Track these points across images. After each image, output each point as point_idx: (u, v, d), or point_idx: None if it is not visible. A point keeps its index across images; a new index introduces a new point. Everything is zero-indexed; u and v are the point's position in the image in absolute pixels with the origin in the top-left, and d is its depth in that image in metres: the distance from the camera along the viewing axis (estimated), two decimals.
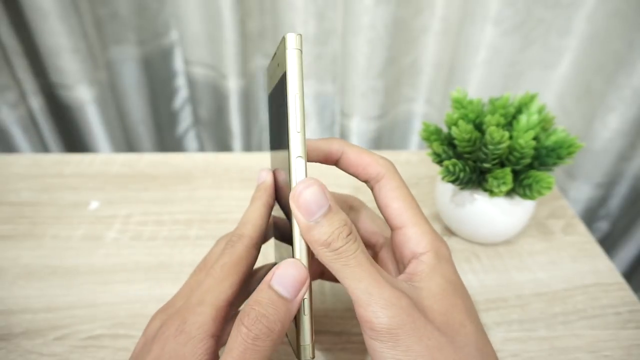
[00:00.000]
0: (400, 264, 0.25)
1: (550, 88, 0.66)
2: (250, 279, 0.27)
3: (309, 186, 0.21)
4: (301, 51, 0.21)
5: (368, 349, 0.21)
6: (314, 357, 0.22)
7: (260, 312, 0.20)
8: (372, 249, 0.29)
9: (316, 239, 0.21)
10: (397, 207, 0.24)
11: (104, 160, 0.51)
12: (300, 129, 0.21)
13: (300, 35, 0.21)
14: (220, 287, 0.23)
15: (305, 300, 0.22)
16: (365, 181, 0.26)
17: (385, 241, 0.28)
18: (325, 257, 0.21)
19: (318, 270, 0.30)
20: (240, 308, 0.23)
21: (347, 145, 0.25)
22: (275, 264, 0.27)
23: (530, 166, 0.36)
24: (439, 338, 0.20)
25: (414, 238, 0.23)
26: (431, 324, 0.21)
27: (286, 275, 0.21)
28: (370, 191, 0.26)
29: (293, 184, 0.21)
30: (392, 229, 0.25)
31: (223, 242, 0.27)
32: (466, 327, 0.21)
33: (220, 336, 0.22)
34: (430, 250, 0.23)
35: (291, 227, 0.22)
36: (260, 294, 0.21)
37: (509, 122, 0.37)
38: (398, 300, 0.20)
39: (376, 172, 0.25)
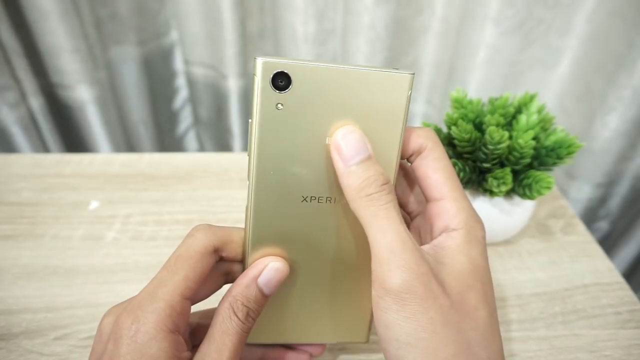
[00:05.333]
0: (429, 235, 0.24)
1: (550, 88, 0.66)
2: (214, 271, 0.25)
3: (352, 132, 0.22)
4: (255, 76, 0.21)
5: (373, 306, 0.21)
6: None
7: (251, 308, 0.22)
8: (409, 216, 0.27)
9: (350, 184, 0.21)
10: (437, 179, 0.23)
11: (104, 160, 0.51)
12: (248, 154, 0.22)
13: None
14: (174, 281, 0.22)
15: None
16: (408, 157, 0.24)
17: (420, 211, 0.27)
18: (357, 203, 0.21)
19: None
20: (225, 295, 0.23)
21: None
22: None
23: (530, 166, 0.36)
24: (446, 314, 0.20)
25: (450, 212, 0.23)
26: (444, 298, 0.20)
27: (272, 277, 0.23)
28: None
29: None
30: (429, 200, 0.24)
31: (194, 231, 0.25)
32: (479, 311, 0.21)
33: (179, 329, 0.21)
34: (463, 228, 0.22)
35: None
36: (248, 291, 0.23)
37: (509, 122, 0.37)
38: (417, 266, 0.20)
39: (418, 144, 0.24)
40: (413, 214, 0.27)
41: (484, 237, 0.23)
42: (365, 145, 0.22)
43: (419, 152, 0.24)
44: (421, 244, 0.24)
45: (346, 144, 0.21)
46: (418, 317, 0.19)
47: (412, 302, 0.19)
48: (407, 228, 0.21)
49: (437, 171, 0.23)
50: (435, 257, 0.22)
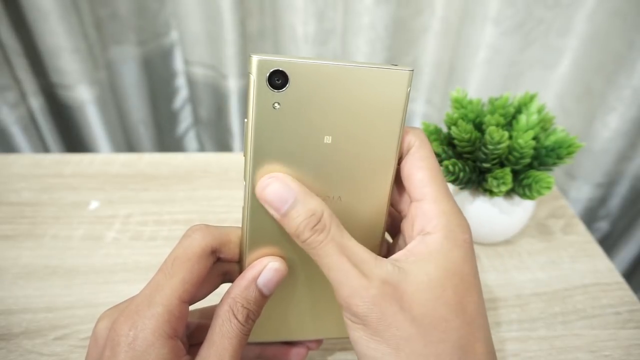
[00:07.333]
0: (410, 238, 0.23)
1: (550, 88, 0.66)
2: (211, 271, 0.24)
3: (268, 185, 0.21)
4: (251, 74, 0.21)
5: (347, 327, 0.21)
6: None
7: (251, 310, 0.22)
8: (400, 215, 0.26)
9: (288, 230, 0.21)
10: (421, 179, 0.22)
11: (104, 160, 0.51)
12: (244, 154, 0.22)
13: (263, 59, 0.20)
14: (171, 284, 0.21)
15: None
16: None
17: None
18: (301, 246, 0.21)
19: None
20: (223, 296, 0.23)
21: None
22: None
23: (530, 166, 0.36)
24: (408, 329, 0.19)
25: (428, 215, 0.22)
26: (403, 313, 0.20)
27: (271, 278, 0.23)
28: None
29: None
30: (412, 200, 0.23)
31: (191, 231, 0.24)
32: (449, 322, 0.20)
33: (177, 334, 0.21)
34: (440, 232, 0.21)
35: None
36: (247, 292, 0.22)
37: (509, 122, 0.37)
38: (365, 291, 0.20)
39: (406, 142, 0.23)
40: (403, 213, 0.26)
41: (466, 240, 0.22)
42: (287, 189, 0.21)
43: (406, 151, 0.23)
44: (405, 245, 0.24)
45: (269, 198, 0.21)
46: (382, 334, 0.20)
47: (372, 323, 0.20)
48: (355, 250, 0.21)
49: (421, 170, 0.22)
50: (402, 265, 0.21)
